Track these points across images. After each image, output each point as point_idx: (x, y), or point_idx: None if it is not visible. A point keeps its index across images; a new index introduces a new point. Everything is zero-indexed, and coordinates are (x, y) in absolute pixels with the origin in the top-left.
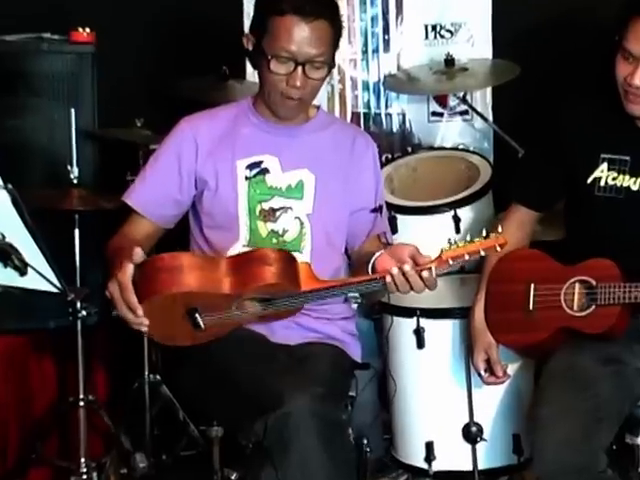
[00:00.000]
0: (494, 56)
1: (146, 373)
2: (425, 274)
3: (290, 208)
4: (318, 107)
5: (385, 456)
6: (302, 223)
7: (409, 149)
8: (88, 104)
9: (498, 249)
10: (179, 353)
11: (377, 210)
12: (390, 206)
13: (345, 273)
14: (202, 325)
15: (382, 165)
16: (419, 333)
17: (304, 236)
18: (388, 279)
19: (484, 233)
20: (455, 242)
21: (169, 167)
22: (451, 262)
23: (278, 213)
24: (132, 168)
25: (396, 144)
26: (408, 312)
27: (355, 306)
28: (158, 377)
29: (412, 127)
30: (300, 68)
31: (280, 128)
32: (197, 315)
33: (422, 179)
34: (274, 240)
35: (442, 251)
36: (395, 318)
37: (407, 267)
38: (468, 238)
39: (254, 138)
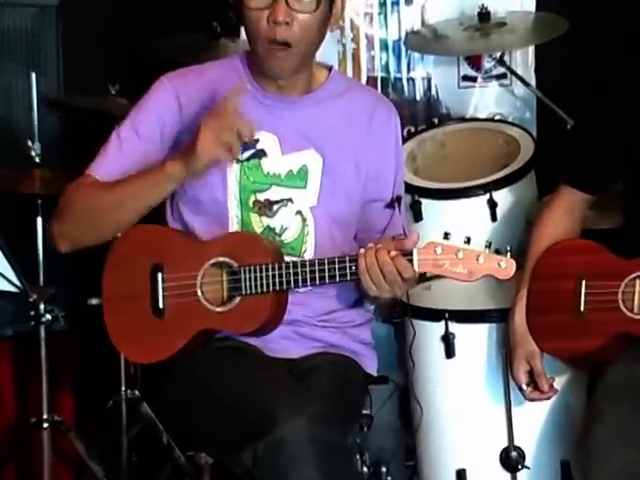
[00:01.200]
0: (537, 9)
1: (123, 388)
2: (401, 262)
3: (290, 200)
4: (330, 68)
5: None
6: (304, 219)
7: (435, 121)
8: (52, 67)
9: (499, 275)
10: (162, 365)
11: (395, 203)
12: (413, 189)
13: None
14: (162, 303)
15: (403, 140)
16: (448, 340)
17: (306, 237)
18: (361, 264)
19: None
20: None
21: (149, 133)
22: (438, 252)
23: (276, 207)
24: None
25: (420, 115)
26: (434, 315)
27: (372, 309)
28: (137, 393)
29: (439, 94)
30: None
31: (280, 98)
32: (159, 279)
33: (451, 156)
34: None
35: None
36: (419, 322)
37: (379, 247)
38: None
39: (249, 110)
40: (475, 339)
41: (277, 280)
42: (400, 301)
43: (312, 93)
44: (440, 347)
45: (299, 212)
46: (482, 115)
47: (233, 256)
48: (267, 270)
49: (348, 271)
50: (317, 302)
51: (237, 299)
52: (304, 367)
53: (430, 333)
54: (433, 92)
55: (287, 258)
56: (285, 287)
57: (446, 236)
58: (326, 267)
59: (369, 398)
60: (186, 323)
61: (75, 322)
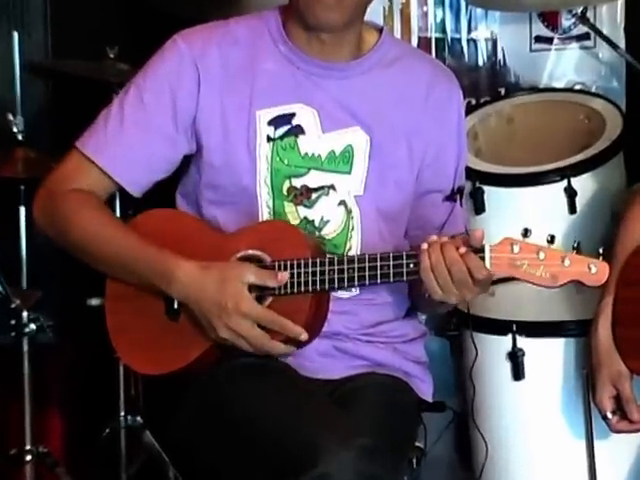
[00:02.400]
0: None
1: (122, 413)
2: (473, 260)
3: (332, 187)
4: (381, 29)
5: None
6: (349, 211)
7: (502, 91)
8: (38, 26)
9: (588, 281)
10: (170, 386)
11: (456, 195)
12: (474, 174)
13: (405, 284)
14: (177, 303)
15: None
16: (516, 358)
17: (351, 232)
18: (424, 261)
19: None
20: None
21: (158, 106)
22: (515, 250)
23: (315, 195)
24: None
25: (483, 84)
26: (500, 327)
27: (423, 319)
28: (139, 419)
29: (507, 59)
30: None
31: (321, 63)
32: None
33: (521, 134)
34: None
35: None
36: (480, 336)
37: (445, 240)
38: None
39: (282, 78)
40: (549, 357)
41: (318, 278)
42: (457, 310)
43: (359, 59)
44: (506, 367)
45: (343, 202)
46: (559, 84)
47: (265, 249)
48: (306, 266)
49: (405, 269)
50: (362, 312)
51: (268, 300)
52: (346, 390)
53: (494, 349)
54: (499, 56)
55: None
56: (327, 287)
57: (526, 233)
58: (378, 264)
59: (423, 428)
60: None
61: (65, 333)
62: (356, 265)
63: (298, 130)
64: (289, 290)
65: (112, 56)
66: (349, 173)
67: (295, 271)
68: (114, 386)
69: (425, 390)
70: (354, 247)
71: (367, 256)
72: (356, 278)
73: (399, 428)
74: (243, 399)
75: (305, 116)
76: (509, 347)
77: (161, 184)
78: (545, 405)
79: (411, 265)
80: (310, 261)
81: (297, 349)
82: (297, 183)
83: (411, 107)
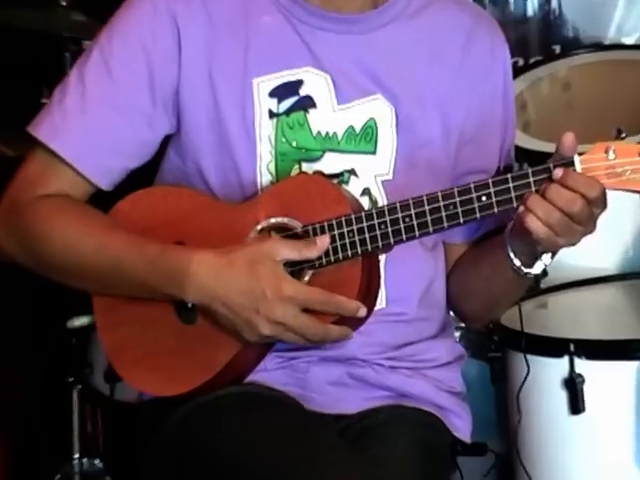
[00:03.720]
0: None
1: (76, 456)
2: (579, 177)
3: (353, 172)
4: None
5: None
6: (374, 201)
7: (556, 49)
8: None
9: None
10: (138, 420)
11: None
12: (521, 152)
13: (442, 293)
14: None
15: None
16: (574, 385)
17: None
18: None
19: None
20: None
21: (129, 75)
22: (610, 156)
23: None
24: (51, 84)
25: (533, 40)
26: (554, 347)
27: (457, 335)
28: (98, 463)
29: (563, 9)
30: None
31: (333, 16)
32: None
33: (579, 103)
34: None
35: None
36: (530, 359)
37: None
38: None
39: (284, 35)
40: (614, 384)
41: (367, 236)
42: (499, 326)
43: (379, 8)
44: (562, 396)
45: (367, 190)
46: (628, 41)
47: (291, 213)
48: (349, 224)
49: (476, 204)
50: (386, 331)
51: (307, 275)
52: (363, 427)
53: (547, 375)
54: (553, 5)
55: None
56: (381, 244)
57: (619, 134)
58: (441, 203)
59: (459, 475)
60: None
61: (10, 349)
62: (413, 211)
63: (308, 102)
64: (332, 257)
65: (64, 3)
66: (374, 153)
67: (336, 232)
68: (67, 421)
69: (461, 427)
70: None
71: (425, 197)
72: (416, 226)
73: (429, 476)
74: (231, 440)
75: (316, 84)
76: (565, 372)
77: (134, 173)
78: (609, 443)
79: (483, 198)
80: (353, 217)
81: (353, 331)
82: (309, 169)
83: (444, 68)
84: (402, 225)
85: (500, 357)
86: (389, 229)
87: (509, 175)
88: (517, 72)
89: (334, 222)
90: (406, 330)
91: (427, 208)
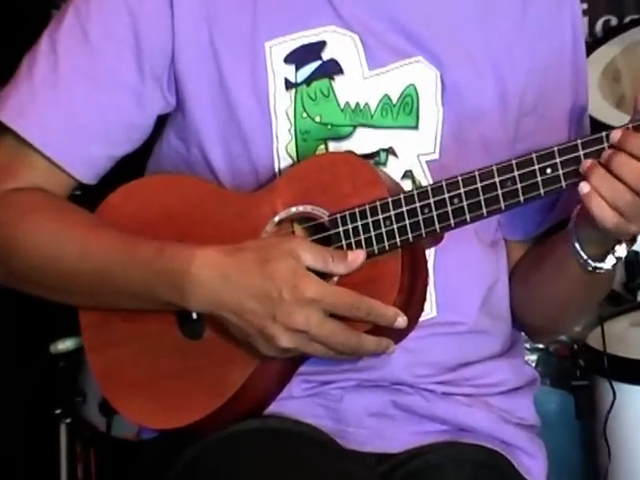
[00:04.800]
0: None
1: None
2: None
3: (391, 151)
4: None
5: None
6: (417, 184)
7: None
8: None
9: None
10: (143, 460)
11: None
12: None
13: (506, 300)
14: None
15: (597, 43)
16: None
17: None
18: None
19: None
20: None
21: (111, 42)
22: None
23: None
24: (18, 53)
25: None
26: None
27: (533, 359)
28: None
29: None
30: None
31: None
32: None
33: None
34: None
35: None
36: (621, 387)
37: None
38: None
39: None
40: None
41: (407, 223)
42: (586, 348)
43: None
44: None
45: (409, 173)
46: None
47: (316, 200)
48: (385, 209)
49: (540, 178)
50: (438, 347)
51: (335, 275)
52: (412, 470)
53: None
54: None
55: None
56: (425, 232)
57: None
58: (496, 179)
59: None
60: None
61: None
62: (462, 190)
63: (333, 68)
64: (365, 253)
65: None
66: (415, 128)
67: (370, 220)
68: (53, 461)
69: (534, 469)
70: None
71: (477, 173)
72: (466, 208)
73: None
74: None
75: (341, 46)
76: None
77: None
78: None
79: (548, 170)
80: (390, 200)
81: (395, 344)
82: (337, 149)
83: (500, 21)
84: (450, 208)
85: (587, 386)
86: (434, 213)
87: (579, 140)
88: (609, 34)
89: (367, 208)
90: (463, 346)
91: (480, 185)
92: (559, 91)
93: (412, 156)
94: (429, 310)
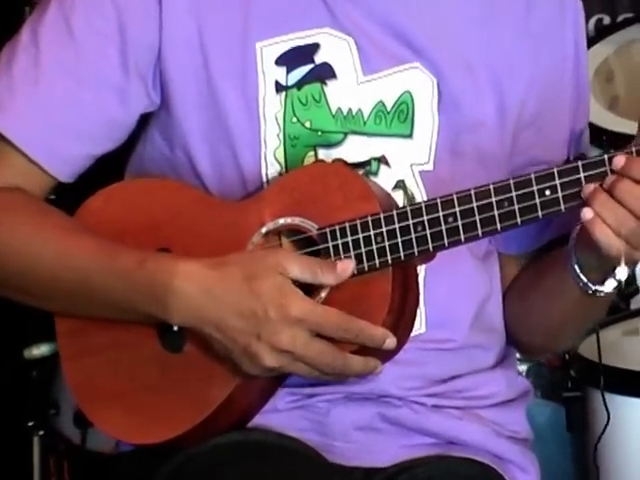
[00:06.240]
0: None
1: None
2: None
3: (383, 161)
4: None
5: None
6: (410, 195)
7: None
8: None
9: None
10: (119, 474)
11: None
12: (606, 135)
13: (499, 316)
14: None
15: (590, 42)
16: None
17: None
18: (590, 193)
19: None
20: None
21: (95, 36)
22: None
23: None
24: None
25: None
26: None
27: (523, 369)
28: None
29: None
30: None
31: None
32: None
33: None
34: None
35: None
36: (615, 399)
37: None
38: None
39: None
40: None
41: (400, 241)
42: (578, 358)
43: None
44: None
45: (401, 183)
46: None
47: (305, 212)
48: (377, 225)
49: (537, 200)
50: (429, 361)
51: (323, 292)
52: None
53: (636, 421)
54: None
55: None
56: (417, 251)
57: None
58: (493, 199)
59: None
60: None
61: None
62: (457, 209)
63: (325, 72)
64: (355, 268)
65: None
66: (410, 137)
67: (360, 236)
68: (25, 475)
69: None
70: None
71: (473, 191)
72: (461, 228)
73: None
74: None
75: (335, 49)
76: None
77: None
78: None
79: (547, 192)
80: (382, 216)
81: (382, 363)
82: (327, 157)
83: (501, 28)
84: (444, 227)
85: (579, 397)
86: (427, 232)
87: (580, 162)
88: (602, 33)
89: (358, 223)
90: (454, 360)
91: (475, 205)
92: (560, 103)
93: (405, 166)
94: (418, 326)
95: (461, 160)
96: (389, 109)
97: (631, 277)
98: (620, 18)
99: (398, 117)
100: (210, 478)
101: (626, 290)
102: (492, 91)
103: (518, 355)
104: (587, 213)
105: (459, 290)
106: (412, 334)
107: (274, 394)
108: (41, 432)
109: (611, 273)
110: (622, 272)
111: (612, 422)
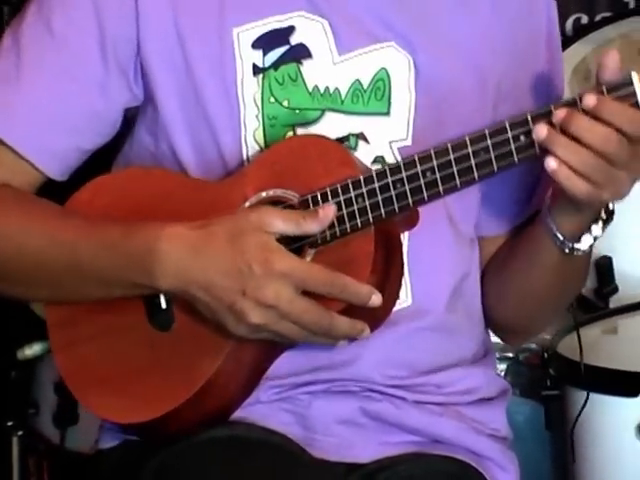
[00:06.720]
0: None
1: None
2: (618, 108)
3: (362, 137)
4: None
5: None
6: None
7: (630, 2)
8: None
9: None
10: (100, 472)
11: None
12: None
13: (477, 297)
14: (165, 300)
15: (568, 41)
16: None
17: None
18: (542, 134)
19: None
20: None
21: (75, 32)
22: None
23: None
24: None
25: None
26: (625, 382)
27: (502, 368)
28: None
29: None
30: None
31: None
32: None
33: None
34: None
35: None
36: (597, 398)
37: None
38: None
39: None
40: None
41: (380, 199)
42: (557, 357)
43: None
44: (636, 447)
45: (379, 159)
46: None
47: (286, 184)
48: (357, 186)
49: (512, 146)
50: (410, 345)
51: (308, 256)
52: None
53: (615, 419)
54: None
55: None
56: (397, 207)
57: None
58: (469, 150)
59: None
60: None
61: None
62: (435, 162)
63: (301, 52)
64: (338, 230)
65: None
66: (387, 114)
67: (342, 199)
68: (4, 475)
69: None
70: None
71: (450, 145)
72: (439, 180)
73: None
74: None
75: (310, 31)
76: None
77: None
78: None
79: (522, 138)
80: (362, 177)
81: (372, 328)
82: (304, 132)
83: (479, 10)
84: (422, 181)
85: (558, 396)
86: (406, 187)
87: (552, 106)
88: (580, 32)
89: (339, 187)
90: (436, 345)
91: (453, 157)
92: (533, 80)
93: (384, 142)
94: (405, 297)
95: (440, 136)
96: (365, 87)
97: (610, 276)
98: (598, 17)
99: (375, 95)
100: (194, 474)
101: (605, 289)
102: (471, 67)
103: (497, 354)
104: (550, 161)
105: (440, 262)
106: (399, 307)
107: (261, 376)
108: (20, 432)
109: (587, 230)
110: (597, 228)
111: (590, 420)
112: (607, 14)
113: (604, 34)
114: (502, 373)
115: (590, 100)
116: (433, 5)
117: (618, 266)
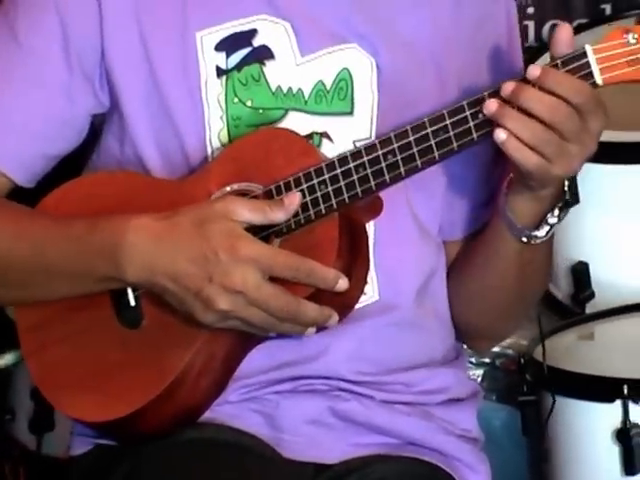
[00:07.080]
0: None
1: None
2: (562, 78)
3: (326, 136)
4: None
5: None
6: None
7: (606, 8)
8: None
9: None
10: (75, 477)
11: None
12: None
13: (444, 296)
14: (133, 297)
15: (538, 50)
16: (629, 439)
17: None
18: (492, 108)
19: None
20: None
21: (40, 39)
22: (631, 40)
23: None
24: None
25: None
26: (603, 389)
27: (478, 374)
28: None
29: None
30: None
31: None
32: None
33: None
34: None
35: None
36: (573, 404)
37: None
38: None
39: None
40: None
41: (343, 184)
42: (532, 362)
43: None
44: (613, 452)
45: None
46: None
47: (250, 177)
48: (319, 173)
49: (472, 123)
50: (378, 341)
51: (274, 244)
52: None
53: (594, 425)
54: None
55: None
56: (361, 192)
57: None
58: (428, 130)
59: None
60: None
61: None
62: (395, 144)
63: (263, 53)
64: (302, 217)
65: None
66: (350, 113)
67: (305, 187)
68: None
69: None
70: (369, 232)
71: (409, 127)
72: (400, 162)
73: None
74: None
75: (273, 33)
76: (617, 421)
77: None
78: None
79: (480, 115)
80: (324, 165)
81: (340, 316)
82: None
83: (439, 11)
84: (384, 164)
85: (534, 401)
86: (368, 171)
87: (507, 82)
88: None
89: (301, 175)
90: (404, 341)
91: (412, 138)
92: (495, 78)
93: (347, 141)
94: (372, 293)
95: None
96: (329, 88)
97: (586, 282)
98: (575, 24)
99: (338, 95)
100: (164, 478)
101: (581, 295)
102: (432, 67)
103: (473, 360)
104: (500, 132)
105: (406, 257)
106: (366, 302)
107: (233, 372)
108: None
109: (544, 219)
110: (553, 218)
111: (567, 425)
112: (584, 20)
113: (581, 41)
114: (479, 379)
115: (535, 70)
116: (394, 6)
117: (594, 272)
